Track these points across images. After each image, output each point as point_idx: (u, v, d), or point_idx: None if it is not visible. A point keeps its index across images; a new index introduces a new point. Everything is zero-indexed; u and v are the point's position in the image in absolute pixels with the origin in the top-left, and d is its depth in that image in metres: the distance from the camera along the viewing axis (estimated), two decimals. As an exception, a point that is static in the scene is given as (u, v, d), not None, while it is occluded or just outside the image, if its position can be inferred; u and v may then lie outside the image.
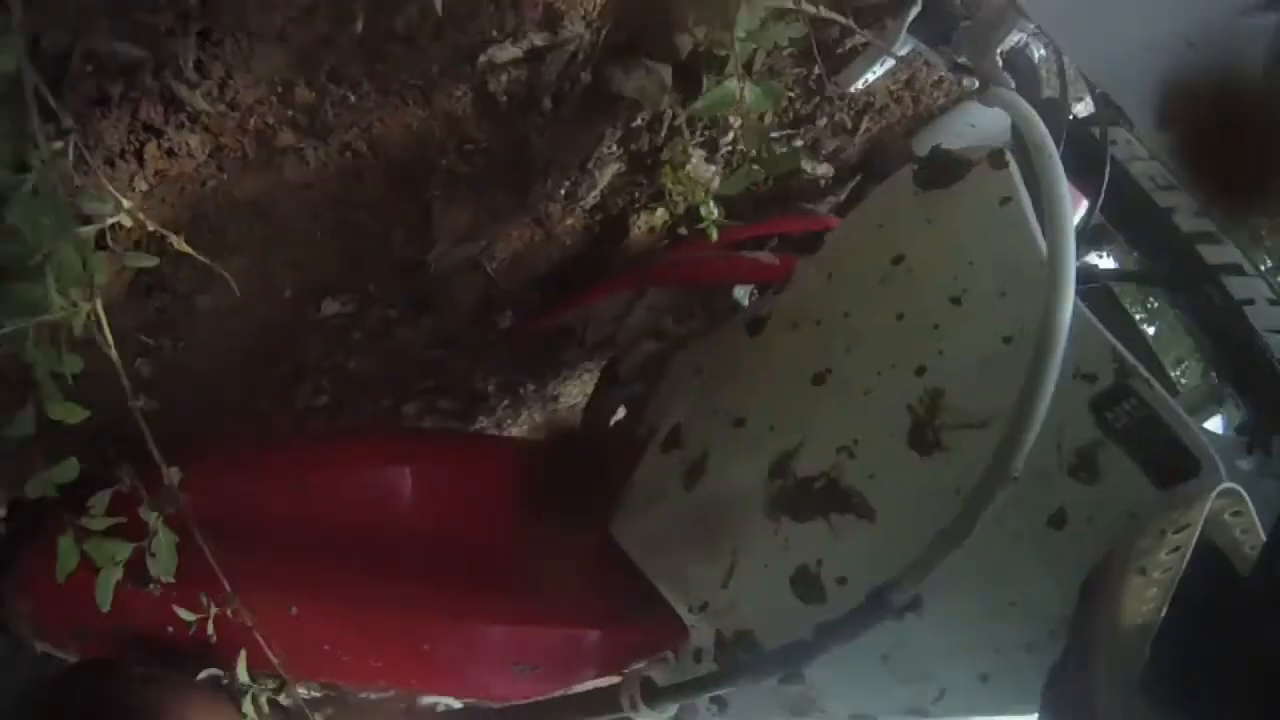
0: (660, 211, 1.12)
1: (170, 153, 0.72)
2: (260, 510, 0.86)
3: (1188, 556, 0.67)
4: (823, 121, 1.20)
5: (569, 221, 1.09)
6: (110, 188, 0.66)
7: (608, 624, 0.92)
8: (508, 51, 0.81)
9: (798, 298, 0.98)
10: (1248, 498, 0.73)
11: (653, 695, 0.88)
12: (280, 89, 0.74)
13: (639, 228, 1.15)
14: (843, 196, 1.41)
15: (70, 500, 0.68)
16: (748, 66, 0.93)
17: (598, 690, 0.91)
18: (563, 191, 1.03)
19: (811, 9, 0.95)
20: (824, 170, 1.27)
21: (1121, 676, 0.65)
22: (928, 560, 0.72)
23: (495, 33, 0.79)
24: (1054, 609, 0.76)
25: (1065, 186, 0.80)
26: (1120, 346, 0.81)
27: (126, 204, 0.67)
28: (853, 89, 1.13)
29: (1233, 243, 0.97)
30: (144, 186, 0.73)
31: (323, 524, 0.87)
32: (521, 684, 0.88)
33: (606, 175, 1.06)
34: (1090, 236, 1.03)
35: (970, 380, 0.82)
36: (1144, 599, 0.67)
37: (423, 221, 0.93)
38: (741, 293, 1.15)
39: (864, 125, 1.25)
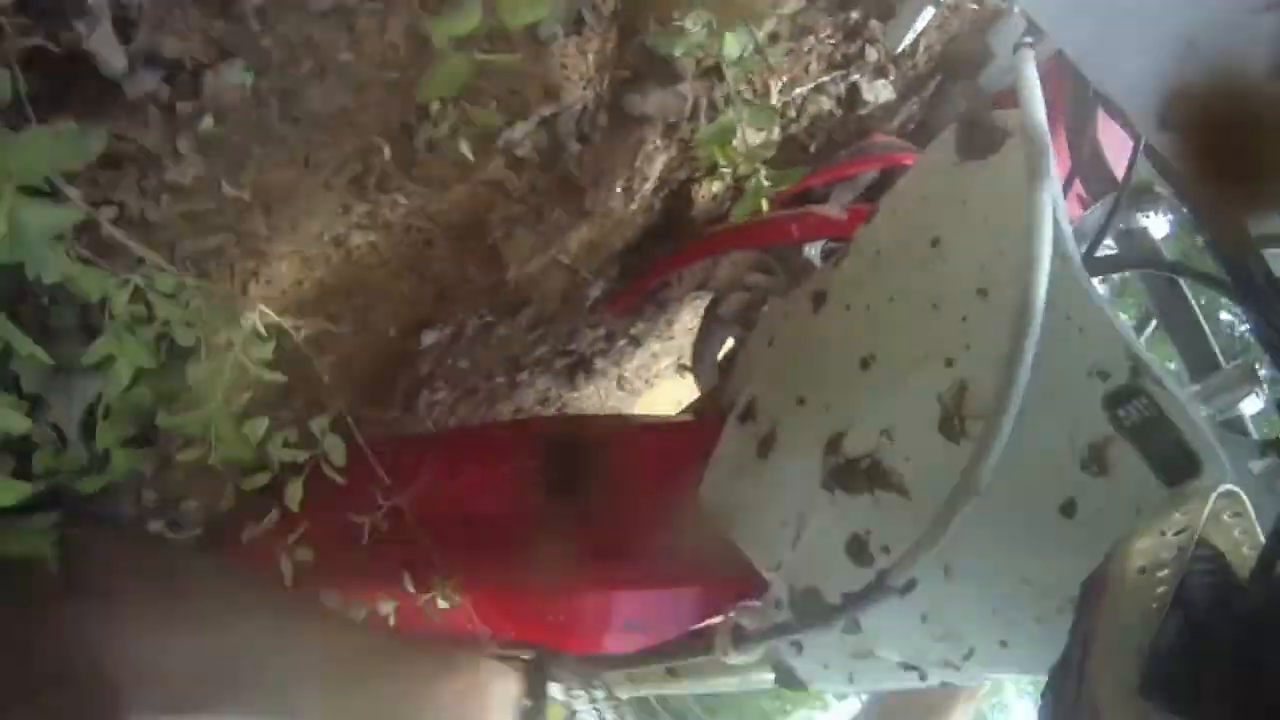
0: (715, 183, 1.20)
1: (268, 282, 0.91)
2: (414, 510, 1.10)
3: (1188, 557, 0.71)
4: (874, 56, 1.20)
5: (632, 207, 1.19)
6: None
7: (703, 580, 1.11)
8: (520, 129, 0.92)
9: (852, 275, 1.06)
10: (1247, 499, 0.77)
11: (741, 639, 1.07)
12: (340, 209, 0.90)
13: (702, 196, 1.24)
14: (928, 93, 1.40)
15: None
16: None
17: (694, 633, 1.12)
18: (619, 190, 1.14)
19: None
20: (886, 95, 1.28)
21: (1122, 676, 0.69)
22: (911, 556, 0.86)
23: (503, 121, 0.90)
24: (1062, 588, 0.86)
25: (1045, 204, 0.83)
26: (1136, 344, 0.85)
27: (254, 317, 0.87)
28: (904, 45, 1.13)
29: None
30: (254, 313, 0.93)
31: (462, 520, 1.10)
32: (632, 638, 1.11)
33: (657, 166, 1.15)
34: (1134, 196, 1.01)
35: (991, 375, 0.89)
36: (1144, 599, 0.72)
37: (493, 254, 1.08)
38: (813, 250, 1.22)
39: (923, 45, 1.24)
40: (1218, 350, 1.02)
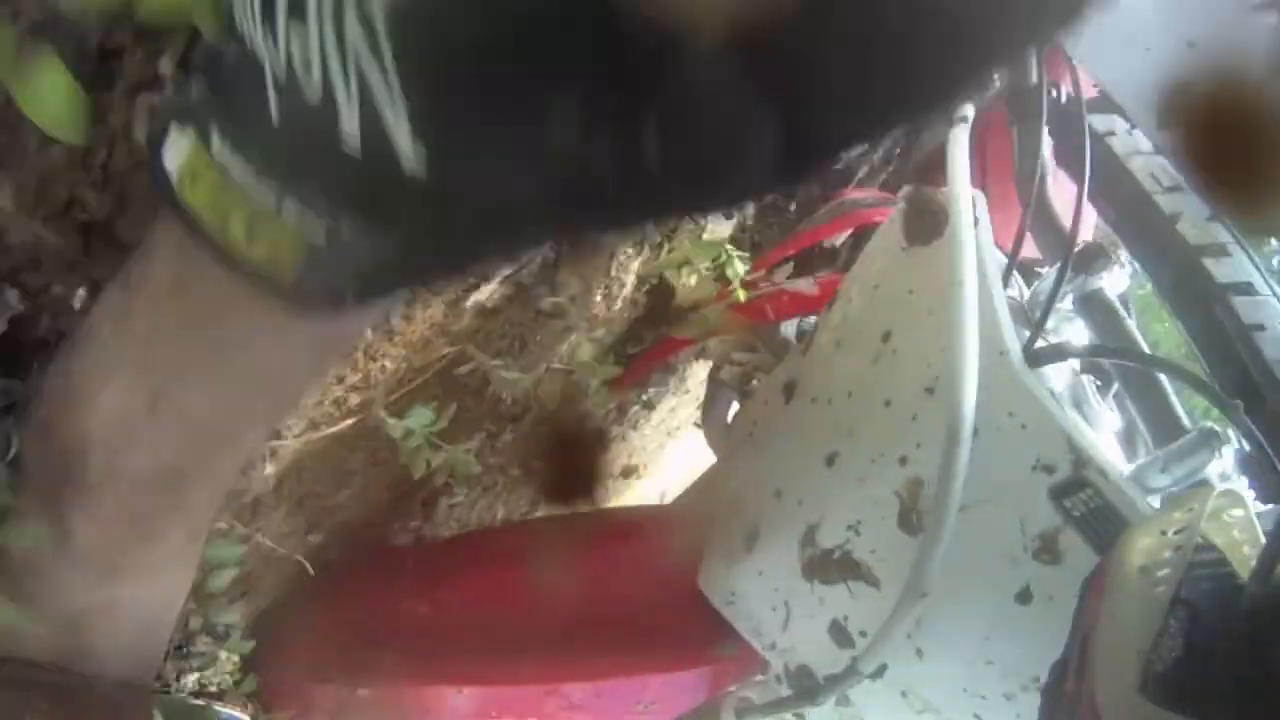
0: (690, 277, 1.31)
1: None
2: (419, 614, 1.25)
3: (1188, 556, 0.73)
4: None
5: (617, 307, 1.31)
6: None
7: (710, 660, 1.24)
8: (484, 291, 1.05)
9: (816, 365, 1.16)
10: (1246, 498, 0.84)
11: (747, 712, 1.20)
12: (335, 380, 1.05)
13: (683, 285, 1.35)
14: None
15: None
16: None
17: (701, 707, 1.25)
18: (599, 298, 1.26)
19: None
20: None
21: (1122, 676, 0.69)
22: (875, 647, 0.99)
23: (466, 288, 1.03)
24: (1025, 669, 0.97)
25: (968, 310, 0.92)
26: (1079, 436, 0.93)
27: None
28: None
29: (1245, 255, 0.98)
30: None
31: (475, 620, 1.24)
32: (643, 717, 1.24)
33: (633, 270, 1.26)
34: (1086, 258, 1.08)
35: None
36: (1144, 599, 0.73)
37: (484, 385, 1.21)
38: (789, 327, 1.32)
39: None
40: (1182, 413, 1.08)
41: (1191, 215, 1.01)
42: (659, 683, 1.24)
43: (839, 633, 1.11)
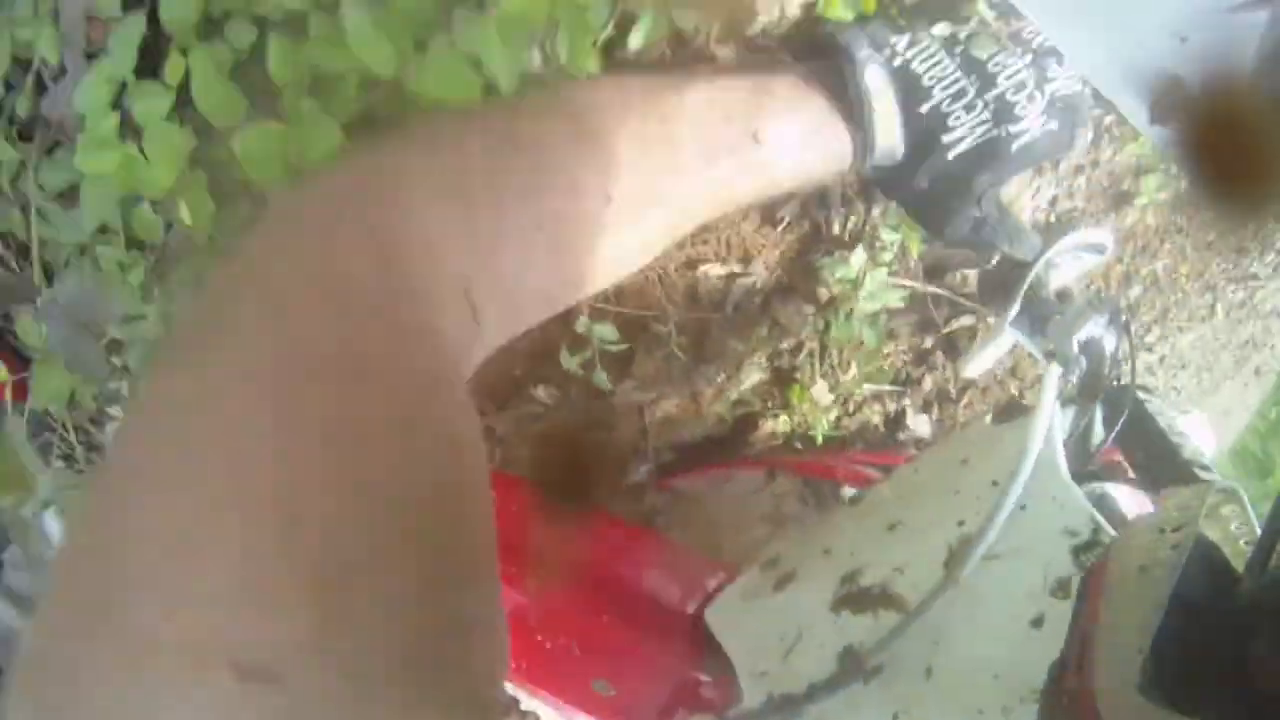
0: (783, 419, 1.68)
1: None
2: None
3: (1185, 553, 0.76)
4: (929, 385, 1.76)
5: (715, 407, 1.65)
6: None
7: (682, 667, 1.35)
8: (717, 270, 1.45)
9: (889, 485, 1.49)
10: (1244, 495, 0.92)
11: (706, 734, 1.28)
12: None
13: (763, 429, 1.71)
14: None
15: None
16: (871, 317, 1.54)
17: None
18: (718, 380, 1.62)
19: (920, 287, 1.57)
20: (923, 431, 1.81)
21: (1121, 675, 0.70)
22: (891, 638, 1.18)
23: (711, 256, 1.43)
24: (1027, 683, 1.16)
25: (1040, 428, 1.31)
26: (1097, 515, 1.27)
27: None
28: (975, 374, 1.69)
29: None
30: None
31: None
32: (593, 700, 1.31)
33: (751, 378, 1.64)
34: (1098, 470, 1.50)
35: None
36: (1143, 596, 0.75)
37: (624, 361, 1.53)
38: (848, 491, 1.66)
39: (965, 399, 1.81)
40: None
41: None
42: (628, 663, 1.33)
43: (849, 657, 1.27)
